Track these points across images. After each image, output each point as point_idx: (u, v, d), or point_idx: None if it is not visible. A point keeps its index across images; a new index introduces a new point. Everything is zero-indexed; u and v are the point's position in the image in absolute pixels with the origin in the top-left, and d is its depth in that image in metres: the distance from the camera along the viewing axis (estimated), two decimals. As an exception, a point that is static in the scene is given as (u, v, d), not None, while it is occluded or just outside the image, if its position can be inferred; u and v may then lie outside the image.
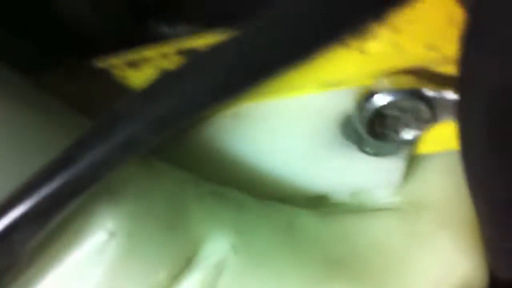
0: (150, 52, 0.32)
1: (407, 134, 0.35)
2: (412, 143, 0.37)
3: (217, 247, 0.35)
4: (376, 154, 0.36)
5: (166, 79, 0.26)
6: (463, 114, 0.27)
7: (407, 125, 0.34)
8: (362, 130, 0.34)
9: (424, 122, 0.34)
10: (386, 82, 0.33)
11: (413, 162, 0.41)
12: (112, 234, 0.30)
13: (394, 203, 0.42)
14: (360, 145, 0.36)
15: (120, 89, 0.35)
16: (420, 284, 0.39)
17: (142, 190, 0.32)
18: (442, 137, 0.38)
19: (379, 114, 0.34)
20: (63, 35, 0.38)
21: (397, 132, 0.35)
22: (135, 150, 0.25)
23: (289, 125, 0.37)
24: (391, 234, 0.41)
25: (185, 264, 0.33)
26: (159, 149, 0.38)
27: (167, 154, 0.38)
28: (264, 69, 0.25)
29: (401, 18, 0.31)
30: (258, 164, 0.39)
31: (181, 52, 0.33)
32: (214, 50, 0.26)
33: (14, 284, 0.29)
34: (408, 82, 0.32)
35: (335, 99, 0.35)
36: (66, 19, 0.38)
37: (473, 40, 0.25)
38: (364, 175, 0.40)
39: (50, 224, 0.26)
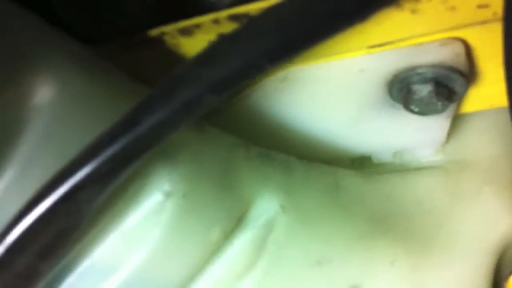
0: (202, 18, 0.31)
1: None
2: (456, 101, 0.35)
3: (267, 207, 0.34)
4: (423, 112, 0.35)
5: (223, 43, 0.25)
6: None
7: None
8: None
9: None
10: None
11: (456, 120, 0.40)
12: (168, 195, 0.29)
13: (437, 161, 0.41)
14: (407, 103, 0.34)
15: (173, 58, 0.34)
16: (463, 240, 0.38)
17: (195, 154, 0.32)
18: (486, 95, 0.36)
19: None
20: (119, 9, 0.37)
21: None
22: (195, 112, 0.24)
23: (338, 87, 0.36)
24: (434, 192, 0.40)
25: (237, 223, 0.33)
26: (210, 114, 0.37)
27: (218, 119, 0.37)
28: (320, 29, 0.24)
29: (453, -23, 0.29)
30: (306, 127, 0.38)
31: (233, 17, 0.31)
32: (269, 12, 0.24)
33: (79, 243, 0.28)
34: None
35: (384, 59, 0.34)
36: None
37: None
38: (409, 134, 0.38)
39: (114, 184, 0.25)
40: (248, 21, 0.25)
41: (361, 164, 0.42)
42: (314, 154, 0.39)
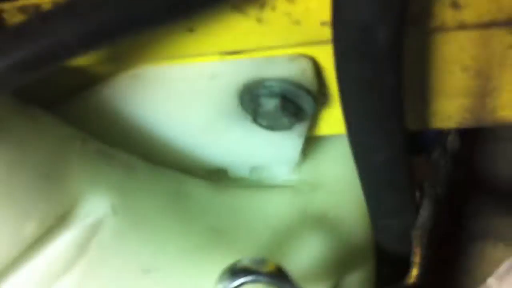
0: (42, -1, 0.29)
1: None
2: (306, 119, 0.34)
3: (95, 206, 0.32)
4: (270, 126, 0.34)
5: (37, 20, 0.23)
6: (337, 62, 0.26)
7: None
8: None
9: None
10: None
11: (312, 143, 0.40)
12: None
13: (291, 181, 0.40)
14: (255, 116, 0.34)
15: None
16: (303, 261, 0.37)
17: (19, 141, 0.29)
18: (341, 120, 0.36)
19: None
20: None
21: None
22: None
23: (190, 91, 0.35)
24: (283, 210, 0.39)
25: (59, 219, 0.31)
26: (55, 104, 0.35)
27: (63, 111, 0.35)
28: (135, 22, 0.22)
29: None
30: (156, 130, 0.37)
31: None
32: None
33: None
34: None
35: (235, 68, 0.33)
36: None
37: None
38: (261, 150, 0.38)
39: None
40: (66, 2, 0.23)
41: (218, 177, 0.41)
42: (167, 160, 0.38)
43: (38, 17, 0.23)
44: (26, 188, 0.29)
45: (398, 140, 0.29)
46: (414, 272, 0.33)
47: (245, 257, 0.31)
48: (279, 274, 0.31)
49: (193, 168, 0.39)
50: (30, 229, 0.29)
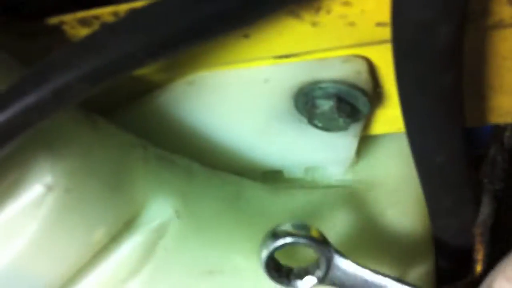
0: (101, 10, 0.30)
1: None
2: (361, 119, 0.35)
3: (160, 211, 0.33)
4: (326, 127, 0.35)
5: (103, 32, 0.24)
6: (396, 61, 0.26)
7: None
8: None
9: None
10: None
11: (366, 142, 0.40)
12: (49, 188, 0.28)
13: (346, 180, 0.41)
14: (311, 117, 0.34)
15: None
16: (361, 255, 0.38)
17: (84, 149, 0.31)
18: (394, 118, 0.36)
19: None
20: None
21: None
22: (67, 99, 0.24)
23: (244, 95, 0.36)
24: (339, 210, 0.40)
25: (126, 225, 0.32)
26: (111, 111, 0.37)
27: (120, 117, 0.36)
28: (201, 28, 0.24)
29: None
30: (212, 134, 0.38)
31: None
32: (153, 7, 0.24)
33: None
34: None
35: (289, 71, 0.34)
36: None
37: None
38: (318, 150, 0.38)
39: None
40: (129, 13, 0.24)
41: (273, 178, 0.41)
42: (223, 163, 0.39)
43: (105, 29, 0.24)
44: (94, 197, 0.30)
45: (458, 139, 0.30)
46: (478, 268, 0.33)
47: (285, 223, 0.32)
48: (319, 239, 0.32)
49: (249, 171, 0.40)
50: (98, 236, 0.30)
